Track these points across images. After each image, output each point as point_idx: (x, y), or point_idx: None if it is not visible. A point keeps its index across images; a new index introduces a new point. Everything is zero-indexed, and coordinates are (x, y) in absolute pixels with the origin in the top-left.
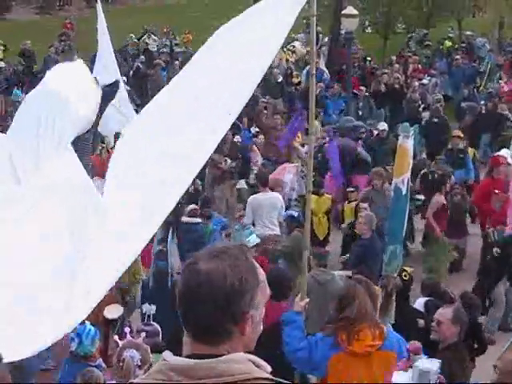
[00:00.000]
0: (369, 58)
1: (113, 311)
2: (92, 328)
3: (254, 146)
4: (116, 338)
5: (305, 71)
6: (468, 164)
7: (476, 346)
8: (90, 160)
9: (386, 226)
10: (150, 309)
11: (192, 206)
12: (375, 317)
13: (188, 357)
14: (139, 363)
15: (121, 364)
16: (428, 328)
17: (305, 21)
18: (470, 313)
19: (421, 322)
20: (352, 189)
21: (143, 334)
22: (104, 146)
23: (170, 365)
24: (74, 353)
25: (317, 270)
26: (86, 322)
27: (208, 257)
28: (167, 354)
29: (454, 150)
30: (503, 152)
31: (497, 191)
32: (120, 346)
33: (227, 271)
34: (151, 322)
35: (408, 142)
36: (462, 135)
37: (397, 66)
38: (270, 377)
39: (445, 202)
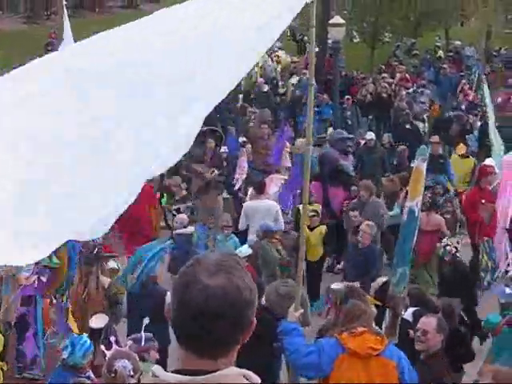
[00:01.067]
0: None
1: (98, 321)
2: (88, 341)
3: (245, 151)
4: (102, 347)
5: (294, 81)
6: (448, 170)
7: (463, 353)
8: None
9: (396, 248)
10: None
11: (182, 216)
12: (373, 326)
13: (178, 372)
14: (132, 373)
15: (112, 375)
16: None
17: (290, 31)
18: (449, 321)
19: (411, 332)
20: (313, 213)
21: (130, 342)
22: None
23: (160, 380)
24: (65, 362)
25: (281, 281)
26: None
27: (210, 272)
28: (158, 369)
29: (434, 156)
30: (488, 161)
31: (483, 201)
32: (108, 356)
33: (239, 284)
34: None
35: (424, 166)
36: (439, 141)
37: (386, 75)
38: None
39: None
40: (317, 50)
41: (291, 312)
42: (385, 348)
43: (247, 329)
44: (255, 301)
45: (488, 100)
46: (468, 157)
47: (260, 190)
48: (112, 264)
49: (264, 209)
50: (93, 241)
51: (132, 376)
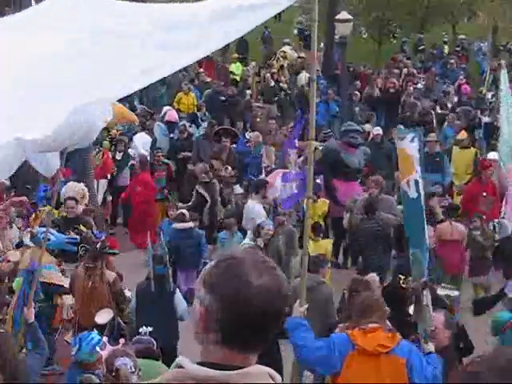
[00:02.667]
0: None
1: (103, 316)
2: (96, 337)
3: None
4: (98, 348)
5: (303, 76)
6: (445, 168)
7: (462, 346)
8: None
9: (405, 233)
10: (146, 330)
11: (181, 211)
12: (385, 322)
13: (202, 364)
14: (133, 369)
15: (113, 374)
16: None
17: (298, 26)
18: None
19: None
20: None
21: (122, 341)
22: (101, 149)
23: (185, 372)
24: (74, 359)
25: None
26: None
27: (258, 271)
28: (184, 361)
29: (430, 155)
30: (492, 155)
31: (485, 194)
32: (106, 356)
33: (283, 281)
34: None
35: (403, 144)
36: (437, 139)
37: (396, 70)
38: None
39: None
40: (322, 45)
41: (296, 308)
42: (396, 345)
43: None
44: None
45: (504, 87)
46: (469, 147)
47: (257, 190)
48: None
49: (256, 210)
50: (96, 237)
51: (133, 372)
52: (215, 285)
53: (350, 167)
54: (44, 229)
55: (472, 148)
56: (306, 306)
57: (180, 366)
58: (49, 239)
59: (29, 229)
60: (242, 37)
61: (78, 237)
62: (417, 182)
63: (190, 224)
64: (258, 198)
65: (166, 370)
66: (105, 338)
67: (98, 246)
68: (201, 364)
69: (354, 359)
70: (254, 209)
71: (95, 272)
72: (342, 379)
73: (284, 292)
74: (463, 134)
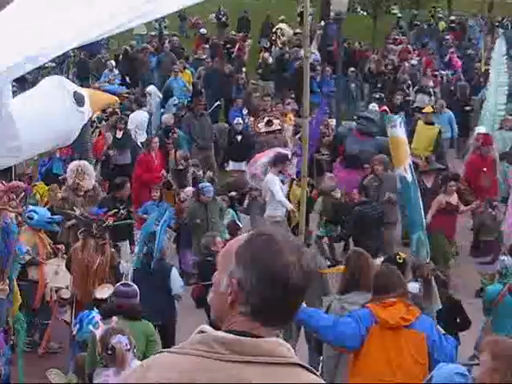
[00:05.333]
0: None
1: (103, 291)
2: (95, 316)
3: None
4: (91, 327)
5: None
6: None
7: (459, 321)
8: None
9: (405, 218)
10: (128, 267)
11: (189, 189)
12: (405, 294)
13: (230, 332)
14: (128, 346)
15: (110, 352)
16: None
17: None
18: (444, 290)
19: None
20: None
21: (115, 319)
22: (99, 126)
23: (212, 336)
24: (75, 338)
25: None
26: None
27: (291, 248)
28: (206, 327)
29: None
30: (481, 129)
31: (485, 169)
32: (100, 335)
33: (310, 259)
34: (129, 283)
35: (397, 132)
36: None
37: (393, 46)
38: (305, 365)
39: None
40: (322, 23)
41: None
42: (416, 319)
43: None
44: None
45: (497, 55)
46: (433, 123)
47: (274, 164)
48: None
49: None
50: (96, 213)
51: (128, 350)
52: (250, 258)
53: (349, 154)
54: (32, 207)
55: (436, 125)
56: None
57: (201, 331)
58: (31, 218)
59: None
60: (244, 15)
61: (59, 216)
62: (410, 165)
63: None
64: (275, 172)
65: (152, 331)
66: (98, 318)
67: (101, 221)
68: (227, 332)
69: (376, 333)
70: (272, 181)
71: (105, 247)
72: (364, 353)
73: (312, 269)
74: (429, 109)
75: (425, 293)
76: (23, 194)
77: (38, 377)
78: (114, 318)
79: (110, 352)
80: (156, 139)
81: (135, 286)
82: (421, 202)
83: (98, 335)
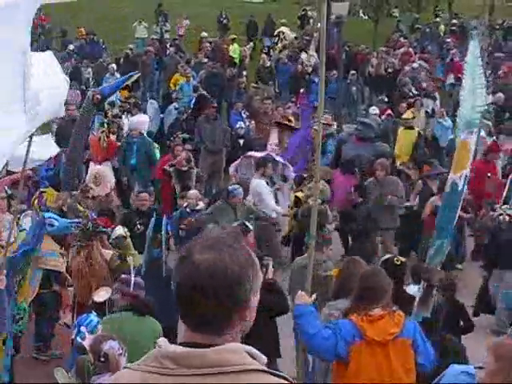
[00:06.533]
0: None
1: (101, 294)
2: (94, 319)
3: None
4: (78, 339)
5: (304, 57)
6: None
7: (463, 324)
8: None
9: (436, 220)
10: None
11: (193, 192)
12: (391, 304)
13: (181, 344)
14: (120, 351)
15: (102, 359)
16: None
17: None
18: (448, 293)
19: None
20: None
21: (100, 327)
22: (104, 130)
23: (164, 352)
24: (74, 342)
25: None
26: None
27: (203, 248)
28: (162, 342)
29: None
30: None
31: (489, 175)
32: (90, 343)
33: (227, 261)
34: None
35: (472, 138)
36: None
37: (397, 50)
38: (267, 369)
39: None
40: (319, 25)
41: (302, 295)
42: (402, 328)
43: (243, 308)
44: (249, 279)
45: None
46: (412, 128)
47: (257, 167)
48: (119, 231)
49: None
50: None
51: (120, 354)
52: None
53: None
54: (49, 214)
55: (415, 129)
56: (314, 295)
57: (159, 346)
58: (52, 225)
59: (29, 211)
60: (251, 19)
61: (78, 220)
62: (466, 176)
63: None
64: (258, 175)
65: (160, 330)
66: (83, 329)
67: (88, 225)
68: (181, 344)
69: (362, 349)
70: (260, 185)
71: (89, 251)
72: (352, 370)
73: (220, 272)
74: (409, 114)
75: (423, 298)
76: (36, 200)
77: (40, 381)
78: (100, 327)
79: (102, 359)
80: (179, 147)
81: (141, 280)
82: (457, 213)
83: (87, 345)
